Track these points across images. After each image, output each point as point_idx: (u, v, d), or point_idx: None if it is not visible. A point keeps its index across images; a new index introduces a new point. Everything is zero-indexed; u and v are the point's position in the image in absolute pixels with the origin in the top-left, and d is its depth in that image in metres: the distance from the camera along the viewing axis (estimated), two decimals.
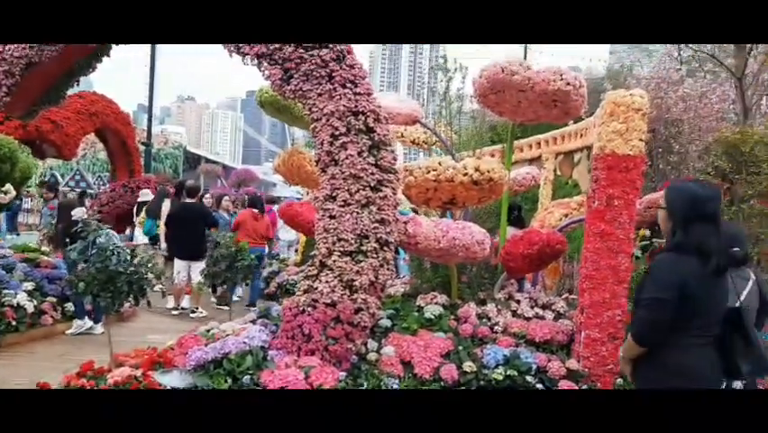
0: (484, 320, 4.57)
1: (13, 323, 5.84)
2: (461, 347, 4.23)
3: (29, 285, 6.36)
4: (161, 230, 8.58)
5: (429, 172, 4.50)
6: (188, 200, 8.07)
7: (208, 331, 4.86)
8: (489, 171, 4.44)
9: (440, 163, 4.55)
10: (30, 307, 6.07)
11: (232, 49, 4.34)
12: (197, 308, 7.78)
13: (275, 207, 11.58)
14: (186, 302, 7.90)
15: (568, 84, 4.56)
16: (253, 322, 5.19)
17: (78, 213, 4.40)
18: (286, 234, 10.87)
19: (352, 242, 4.09)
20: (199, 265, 7.57)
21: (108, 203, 12.30)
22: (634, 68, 15.87)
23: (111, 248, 3.70)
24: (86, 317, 6.50)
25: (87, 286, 3.66)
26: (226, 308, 7.72)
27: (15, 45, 4.64)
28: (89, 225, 3.69)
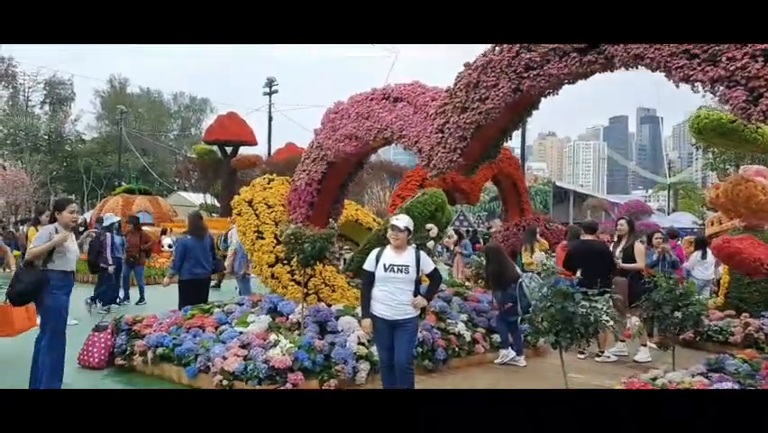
0: None
1: (456, 349, 6.77)
2: None
3: (463, 316, 7.30)
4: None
5: None
6: (587, 237, 8.01)
7: (654, 379, 4.54)
8: None
9: None
10: (467, 336, 6.94)
11: (678, 78, 4.04)
12: (603, 352, 7.47)
13: (679, 242, 10.44)
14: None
15: None
16: (703, 375, 4.62)
17: (539, 258, 4.78)
18: (703, 272, 9.54)
19: None
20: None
21: (503, 241, 13.42)
22: None
23: (568, 291, 3.84)
24: (510, 348, 7.04)
25: (550, 325, 3.87)
26: (650, 350, 7.16)
27: (467, 113, 5.31)
28: (547, 268, 3.93)
